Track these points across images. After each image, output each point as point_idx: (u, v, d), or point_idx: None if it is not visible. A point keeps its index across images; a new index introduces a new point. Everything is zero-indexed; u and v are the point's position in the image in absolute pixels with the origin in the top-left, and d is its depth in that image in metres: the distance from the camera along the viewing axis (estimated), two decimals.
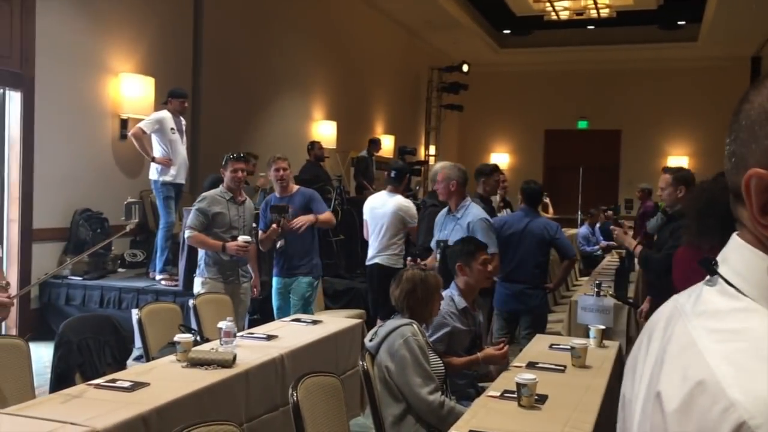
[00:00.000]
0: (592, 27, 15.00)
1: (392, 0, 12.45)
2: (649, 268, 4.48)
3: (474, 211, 4.49)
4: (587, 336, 3.98)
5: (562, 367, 3.29)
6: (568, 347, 3.45)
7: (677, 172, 4.59)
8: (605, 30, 15.03)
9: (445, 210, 4.69)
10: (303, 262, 5.10)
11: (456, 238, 4.10)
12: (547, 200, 10.53)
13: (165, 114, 6.70)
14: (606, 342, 3.82)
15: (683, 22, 14.79)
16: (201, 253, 4.90)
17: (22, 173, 6.25)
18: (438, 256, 4.31)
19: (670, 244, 4.01)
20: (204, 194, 4.94)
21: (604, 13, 13.23)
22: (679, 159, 16.54)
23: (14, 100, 6.24)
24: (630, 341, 5.10)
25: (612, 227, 4.61)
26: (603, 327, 3.88)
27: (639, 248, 4.53)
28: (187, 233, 4.85)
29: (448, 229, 4.48)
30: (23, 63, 6.22)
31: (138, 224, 3.52)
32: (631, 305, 5.24)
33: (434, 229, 4.70)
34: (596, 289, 5.15)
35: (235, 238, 4.74)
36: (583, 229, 10.68)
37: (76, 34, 6.80)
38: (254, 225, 5.21)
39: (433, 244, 4.67)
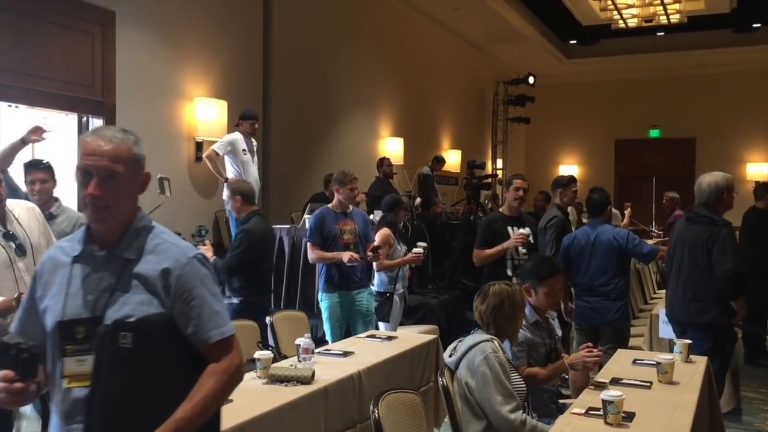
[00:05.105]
0: (662, 33, 14.63)
1: (456, 16, 12.45)
2: None
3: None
4: (670, 350, 3.84)
5: (648, 384, 3.18)
6: (653, 362, 3.34)
7: (232, 185, 5.21)
8: (676, 36, 14.64)
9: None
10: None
11: None
12: (627, 211, 10.35)
13: (236, 136, 6.87)
14: (693, 357, 3.68)
15: (758, 25, 14.29)
16: None
17: None
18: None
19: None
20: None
21: (675, 18, 12.86)
22: (758, 165, 15.92)
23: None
24: None
25: None
26: (689, 341, 3.73)
27: None
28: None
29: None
30: (104, 91, 6.49)
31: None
32: None
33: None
34: None
35: None
36: None
37: (153, 61, 7.05)
38: None
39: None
